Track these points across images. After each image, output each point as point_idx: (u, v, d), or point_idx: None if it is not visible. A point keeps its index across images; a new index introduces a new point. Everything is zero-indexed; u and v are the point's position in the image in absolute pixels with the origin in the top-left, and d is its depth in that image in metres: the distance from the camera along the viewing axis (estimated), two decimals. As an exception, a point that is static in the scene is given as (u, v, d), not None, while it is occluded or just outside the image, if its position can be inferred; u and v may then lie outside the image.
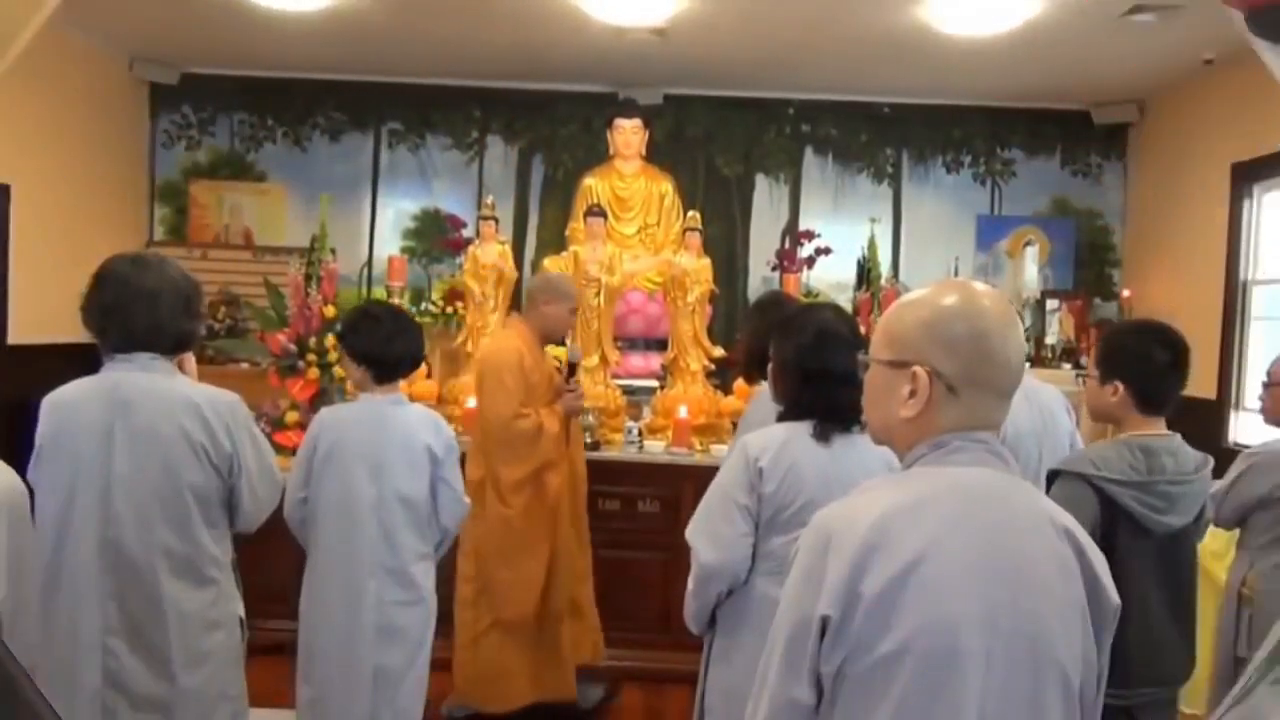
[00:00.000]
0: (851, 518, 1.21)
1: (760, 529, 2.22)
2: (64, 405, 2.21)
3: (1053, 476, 2.36)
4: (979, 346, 1.27)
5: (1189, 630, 2.36)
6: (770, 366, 2.42)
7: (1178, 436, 2.36)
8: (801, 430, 2.23)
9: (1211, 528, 3.22)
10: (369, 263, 7.28)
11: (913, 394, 1.28)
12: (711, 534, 2.23)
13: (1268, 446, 2.95)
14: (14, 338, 5.40)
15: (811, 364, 2.24)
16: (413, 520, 2.85)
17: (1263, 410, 3.20)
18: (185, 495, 2.18)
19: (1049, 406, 3.02)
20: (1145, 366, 2.32)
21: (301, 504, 2.86)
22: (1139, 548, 2.25)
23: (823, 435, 2.21)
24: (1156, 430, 2.34)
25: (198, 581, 2.21)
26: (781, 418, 2.31)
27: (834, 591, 1.17)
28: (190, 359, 2.39)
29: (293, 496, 2.85)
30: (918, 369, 1.27)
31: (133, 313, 2.18)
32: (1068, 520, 1.30)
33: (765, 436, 2.26)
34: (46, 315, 5.63)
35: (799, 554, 1.25)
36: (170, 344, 2.23)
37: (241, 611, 2.34)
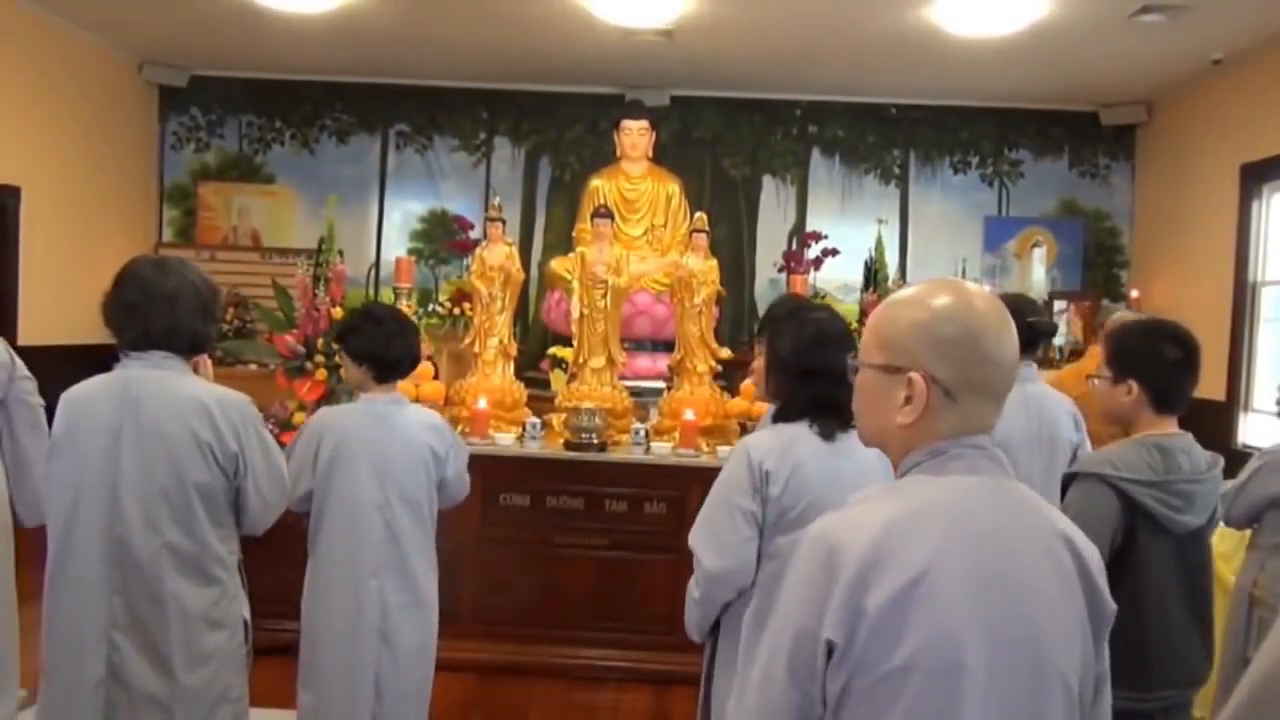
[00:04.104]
0: (853, 531, 1.19)
1: (764, 531, 2.21)
2: (77, 402, 2.25)
3: (1069, 479, 2.34)
4: (974, 349, 1.24)
5: (1208, 631, 2.35)
6: (761, 363, 2.40)
7: (1189, 435, 2.35)
8: (802, 430, 2.22)
9: (1220, 529, 3.21)
10: (376, 264, 7.30)
11: (908, 400, 1.25)
12: (715, 540, 2.21)
13: None
14: (24, 339, 5.42)
15: (810, 362, 2.23)
16: (417, 522, 2.84)
17: None
18: (191, 494, 2.19)
19: (1053, 416, 2.99)
20: (1158, 365, 2.31)
21: (308, 498, 2.84)
22: (1159, 548, 2.24)
23: (826, 434, 2.21)
24: (1170, 429, 2.33)
25: (203, 580, 2.22)
26: (777, 418, 2.30)
27: (838, 612, 1.15)
28: (206, 361, 2.42)
29: (296, 489, 2.79)
30: (914, 375, 1.24)
31: (152, 314, 2.21)
32: (1066, 525, 1.29)
33: (767, 439, 2.24)
34: (57, 317, 5.66)
35: (799, 562, 1.23)
36: (186, 345, 2.26)
37: (247, 613, 2.34)
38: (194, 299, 2.24)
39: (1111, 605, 1.29)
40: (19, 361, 3.01)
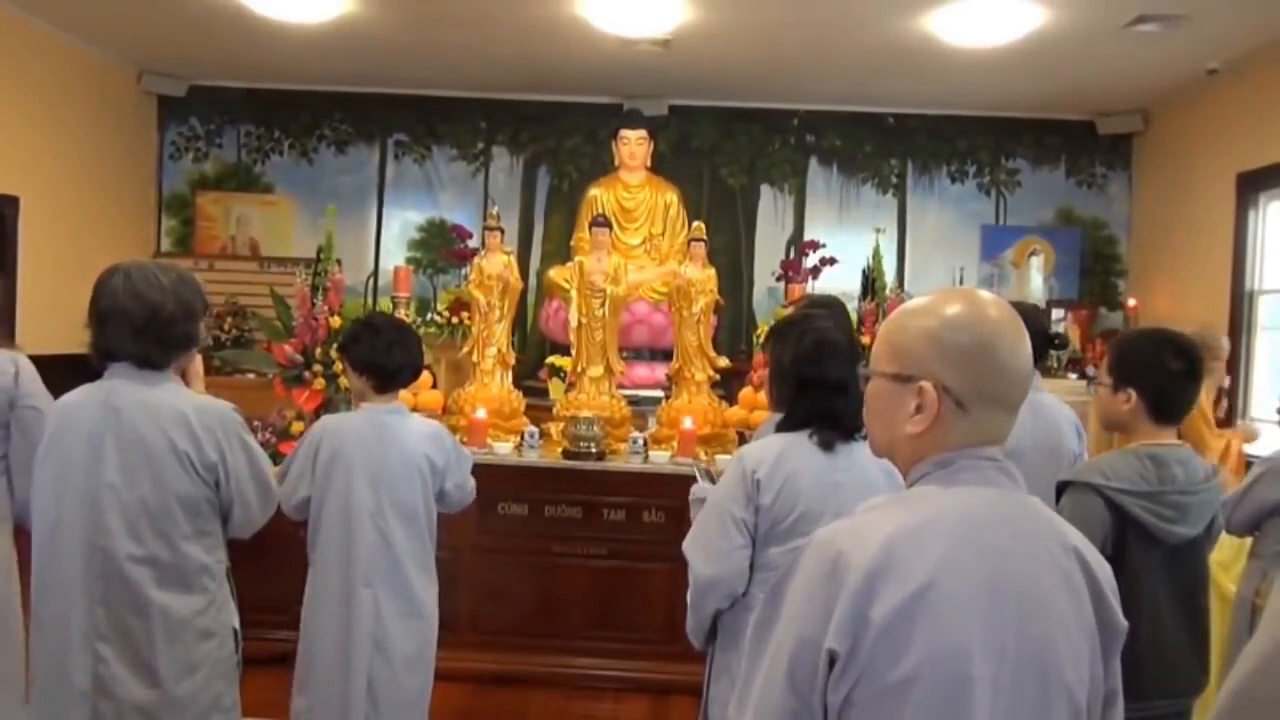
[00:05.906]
0: (858, 540, 1.18)
1: (757, 541, 2.21)
2: (62, 410, 2.23)
3: (1062, 487, 2.34)
4: (987, 359, 1.23)
5: (1202, 641, 2.34)
6: (766, 372, 2.42)
7: (1187, 446, 2.34)
8: (800, 440, 2.22)
9: (1221, 537, 3.20)
10: (375, 273, 7.30)
11: (919, 409, 1.24)
12: (706, 547, 2.23)
13: None
14: (23, 349, 5.41)
15: (808, 372, 2.23)
16: (413, 531, 2.84)
17: None
18: (173, 505, 2.17)
19: (1057, 425, 2.99)
20: (1159, 374, 2.30)
21: (305, 504, 2.84)
22: (1150, 558, 2.24)
23: (825, 444, 2.20)
24: (1167, 440, 2.33)
25: (187, 591, 2.19)
26: (780, 427, 2.31)
27: (842, 622, 1.14)
28: (197, 362, 2.37)
29: (294, 495, 2.82)
30: (925, 384, 1.23)
31: (105, 329, 2.17)
32: (1076, 539, 1.27)
33: (762, 448, 2.25)
34: (55, 327, 5.64)
35: (802, 569, 1.21)
36: (138, 361, 2.19)
37: (236, 622, 2.32)
38: (144, 312, 2.15)
39: (1123, 622, 1.27)
40: (26, 387, 2.63)
